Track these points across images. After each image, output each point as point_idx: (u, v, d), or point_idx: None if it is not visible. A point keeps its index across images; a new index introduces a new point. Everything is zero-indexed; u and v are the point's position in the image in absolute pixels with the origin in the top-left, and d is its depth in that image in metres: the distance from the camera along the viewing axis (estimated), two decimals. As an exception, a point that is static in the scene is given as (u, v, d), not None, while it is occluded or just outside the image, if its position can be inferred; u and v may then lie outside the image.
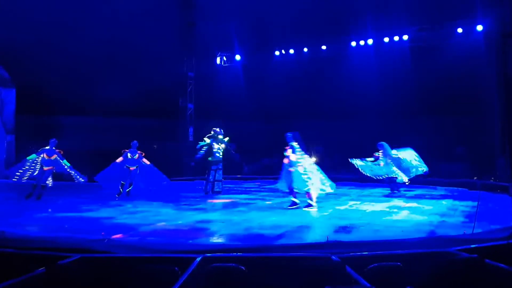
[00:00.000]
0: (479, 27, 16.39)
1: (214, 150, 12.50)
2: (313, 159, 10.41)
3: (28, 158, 11.60)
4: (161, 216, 8.73)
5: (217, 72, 22.02)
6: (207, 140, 12.63)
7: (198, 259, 4.00)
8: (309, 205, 9.65)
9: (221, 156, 12.59)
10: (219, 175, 12.63)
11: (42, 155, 11.63)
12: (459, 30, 16.89)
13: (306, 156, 10.00)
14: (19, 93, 19.29)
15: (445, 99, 17.61)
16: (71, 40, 17.77)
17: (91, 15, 17.81)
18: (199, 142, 12.73)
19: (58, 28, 17.80)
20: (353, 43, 19.00)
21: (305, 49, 20.14)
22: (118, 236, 6.44)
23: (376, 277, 3.53)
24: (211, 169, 12.53)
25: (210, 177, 12.59)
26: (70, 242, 5.39)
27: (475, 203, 10.28)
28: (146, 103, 19.48)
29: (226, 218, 8.52)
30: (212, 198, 11.91)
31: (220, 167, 12.66)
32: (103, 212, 9.12)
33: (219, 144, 12.59)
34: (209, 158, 12.50)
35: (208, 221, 8.09)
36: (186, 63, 21.26)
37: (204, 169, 13.31)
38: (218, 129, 12.66)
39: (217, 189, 12.58)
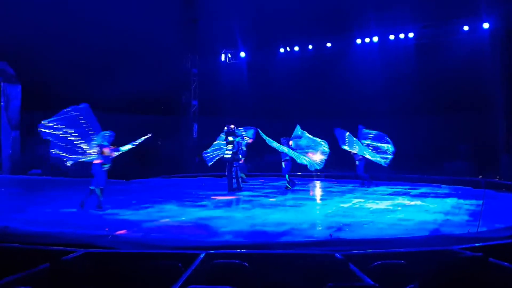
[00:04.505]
0: (485, 25, 16.28)
1: (224, 147, 12.41)
2: None
3: None
4: (165, 213, 8.75)
5: (221, 68, 22.00)
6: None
7: (202, 255, 4.00)
8: None
9: (230, 153, 12.36)
10: (233, 172, 12.33)
11: None
12: (465, 27, 16.79)
13: None
14: (24, 89, 19.34)
15: (450, 97, 17.56)
16: (75, 37, 17.80)
17: (95, 12, 17.82)
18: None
19: (62, 25, 17.83)
20: (358, 40, 18.93)
21: (310, 46, 20.08)
22: (122, 232, 6.45)
23: (379, 274, 3.52)
24: (226, 166, 12.45)
25: (228, 173, 12.42)
26: (74, 237, 5.41)
27: (480, 202, 10.23)
28: (150, 100, 19.50)
29: (229, 215, 8.53)
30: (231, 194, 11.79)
31: (234, 165, 12.41)
32: (107, 208, 9.14)
33: (231, 140, 12.35)
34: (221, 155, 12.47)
35: (211, 218, 8.10)
36: (190, 60, 21.25)
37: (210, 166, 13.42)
38: (232, 126, 12.44)
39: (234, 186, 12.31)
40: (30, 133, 19.57)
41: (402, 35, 18.00)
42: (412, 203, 10.22)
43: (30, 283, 3.10)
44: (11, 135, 19.32)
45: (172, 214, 8.67)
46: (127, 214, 8.40)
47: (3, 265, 3.74)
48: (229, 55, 22.19)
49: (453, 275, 3.42)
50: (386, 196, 11.55)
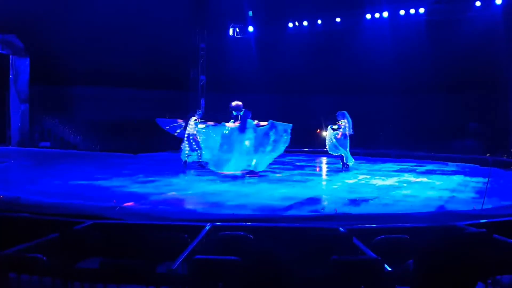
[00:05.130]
0: (498, 0, 15.95)
1: None
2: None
3: None
4: (172, 186, 8.85)
5: (229, 43, 21.82)
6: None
7: (208, 227, 4.08)
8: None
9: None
10: None
11: None
12: (477, 3, 16.46)
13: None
14: (32, 62, 19.36)
15: (461, 75, 17.35)
16: (84, 10, 17.69)
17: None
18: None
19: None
20: (368, 16, 18.64)
21: (319, 21, 19.82)
22: (129, 204, 6.55)
23: (382, 248, 3.57)
24: None
25: None
26: (83, 208, 5.51)
27: (486, 179, 10.22)
28: (158, 75, 19.47)
29: (236, 189, 8.60)
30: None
31: None
32: (115, 181, 9.26)
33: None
34: None
35: (218, 192, 8.19)
36: (198, 34, 21.10)
37: None
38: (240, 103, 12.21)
39: None
40: (39, 106, 19.71)
41: (412, 11, 17.69)
42: (418, 180, 10.23)
43: (40, 251, 3.18)
44: (20, 108, 19.44)
45: (179, 187, 8.77)
46: (135, 187, 8.50)
47: (15, 233, 3.83)
48: (237, 30, 21.96)
49: (456, 250, 3.44)
50: (392, 173, 11.56)
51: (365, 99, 19.59)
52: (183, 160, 11.60)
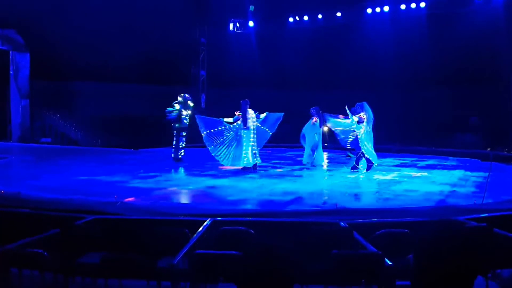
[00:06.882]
0: (499, -5, 15.91)
1: (182, 116, 12.14)
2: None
3: None
4: (173, 181, 8.86)
5: (230, 38, 21.77)
6: (177, 106, 12.14)
7: (208, 222, 4.08)
8: None
9: (187, 123, 12.25)
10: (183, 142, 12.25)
11: None
12: (479, -3, 16.42)
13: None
14: (32, 58, 19.34)
15: (461, 69, 17.31)
16: (84, 5, 17.65)
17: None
18: (167, 108, 12.18)
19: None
20: (369, 10, 18.60)
21: (320, 16, 19.77)
22: (130, 199, 6.55)
23: (383, 243, 3.58)
24: (180, 135, 12.24)
25: (180, 144, 12.23)
26: (84, 204, 5.52)
27: (487, 174, 10.21)
28: (158, 70, 19.44)
29: (236, 184, 8.60)
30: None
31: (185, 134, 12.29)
32: (116, 177, 9.26)
33: (187, 110, 12.21)
34: (177, 125, 12.16)
35: (218, 187, 8.19)
36: (199, 29, 21.05)
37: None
38: (187, 95, 12.36)
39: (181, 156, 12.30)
40: (40, 102, 19.72)
41: (413, 5, 17.64)
42: (419, 174, 10.23)
43: (41, 247, 3.19)
44: (20, 104, 19.45)
45: (180, 182, 8.78)
46: (136, 182, 8.50)
47: (16, 229, 3.83)
48: (238, 25, 21.90)
49: (456, 244, 3.44)
50: (393, 168, 11.56)
51: (365, 93, 19.44)
52: (252, 164, 10.40)
